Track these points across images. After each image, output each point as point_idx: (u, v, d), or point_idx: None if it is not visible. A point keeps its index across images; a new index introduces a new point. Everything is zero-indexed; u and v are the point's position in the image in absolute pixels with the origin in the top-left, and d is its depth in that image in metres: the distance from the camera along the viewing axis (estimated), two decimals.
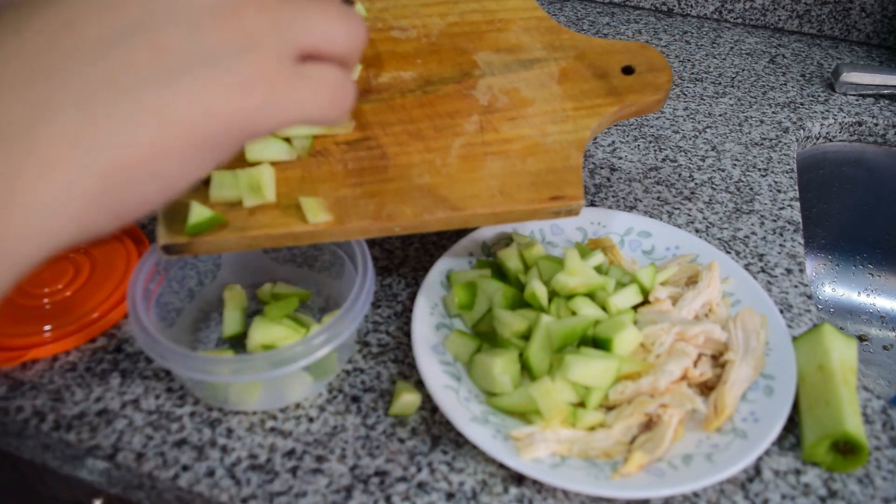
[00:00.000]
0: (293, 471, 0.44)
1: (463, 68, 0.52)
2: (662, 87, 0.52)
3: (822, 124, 0.80)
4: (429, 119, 0.49)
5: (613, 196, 0.67)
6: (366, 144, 0.47)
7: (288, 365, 0.42)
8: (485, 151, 0.48)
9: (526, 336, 0.49)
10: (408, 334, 0.52)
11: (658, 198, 0.67)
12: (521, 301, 0.51)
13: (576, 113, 0.50)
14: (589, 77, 0.52)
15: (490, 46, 0.54)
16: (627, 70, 0.53)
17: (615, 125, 0.77)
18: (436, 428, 0.46)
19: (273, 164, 0.45)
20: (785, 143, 0.76)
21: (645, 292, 0.51)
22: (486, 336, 0.50)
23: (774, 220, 0.65)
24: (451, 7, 0.56)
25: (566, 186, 0.46)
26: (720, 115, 0.80)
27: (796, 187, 0.69)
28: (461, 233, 0.62)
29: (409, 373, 0.50)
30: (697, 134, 0.77)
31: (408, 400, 0.46)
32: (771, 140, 0.76)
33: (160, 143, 0.25)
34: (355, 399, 0.48)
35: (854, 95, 0.84)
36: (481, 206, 0.45)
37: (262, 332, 0.47)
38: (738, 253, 0.61)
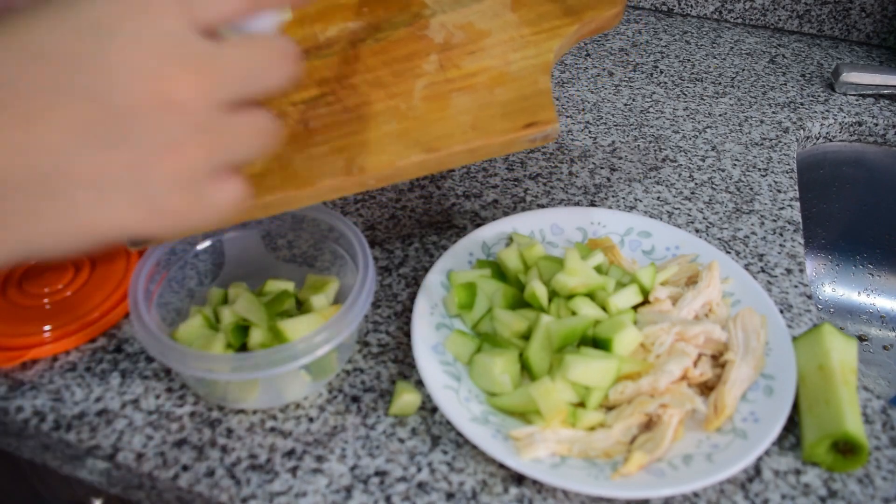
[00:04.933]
0: (293, 471, 0.44)
1: (412, 10, 0.51)
2: (619, 0, 0.51)
3: (822, 124, 0.80)
4: (385, 66, 0.48)
5: (613, 196, 0.67)
6: (324, 101, 0.46)
7: (287, 363, 0.42)
8: (449, 89, 0.46)
9: (526, 336, 0.49)
10: (408, 334, 0.52)
11: (658, 198, 0.67)
12: (521, 301, 0.51)
13: (535, 37, 0.49)
14: (543, 0, 0.51)
15: None
16: None
17: (614, 125, 0.77)
18: (436, 428, 0.46)
19: None
20: (785, 143, 0.76)
21: (645, 292, 0.51)
22: (486, 336, 0.50)
23: (774, 220, 0.65)
24: None
25: (539, 111, 0.44)
26: (720, 115, 0.80)
27: (796, 187, 0.69)
28: (461, 233, 0.62)
29: (409, 373, 0.50)
30: (697, 134, 0.77)
31: (408, 400, 0.46)
32: (771, 140, 0.76)
33: (66, 245, 0.26)
34: (355, 399, 0.48)
35: (854, 95, 0.84)
36: (456, 143, 0.43)
37: (261, 332, 0.47)
38: (738, 253, 0.61)
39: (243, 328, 0.48)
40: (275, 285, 0.51)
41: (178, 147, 0.26)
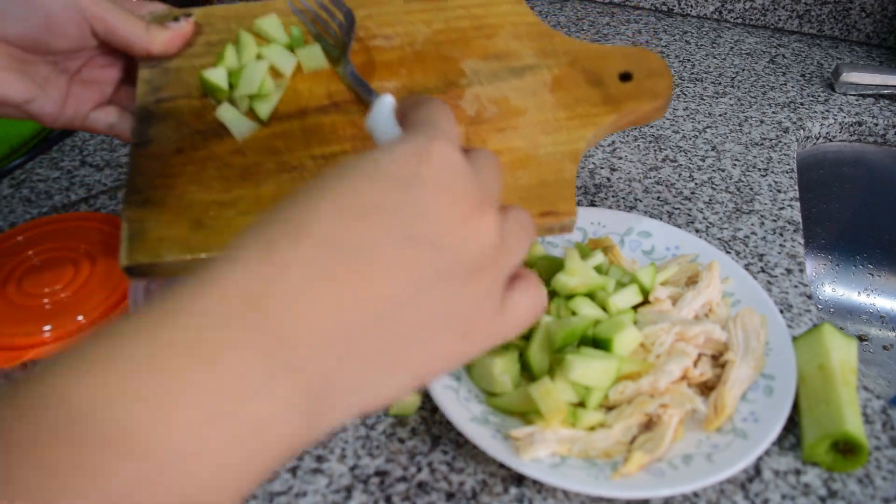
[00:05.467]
0: (293, 471, 0.44)
1: (449, 77, 0.50)
2: (662, 93, 0.49)
3: (822, 124, 0.80)
4: None
5: (613, 196, 0.67)
6: (344, 158, 0.45)
7: None
8: None
9: (526, 336, 0.49)
10: None
11: (658, 198, 0.67)
12: None
13: (570, 123, 0.47)
14: (583, 84, 0.49)
15: (478, 54, 0.51)
16: (625, 76, 0.50)
17: None
18: (436, 428, 0.46)
19: (242, 180, 0.45)
20: (785, 143, 0.76)
21: (645, 292, 0.51)
22: None
23: (774, 220, 0.65)
24: (436, 14, 0.53)
25: (559, 201, 0.44)
26: (720, 115, 0.80)
27: (796, 187, 0.69)
28: None
29: None
30: (697, 134, 0.77)
31: (408, 400, 0.46)
32: (771, 140, 0.76)
33: (400, 392, 0.27)
34: None
35: (854, 95, 0.85)
36: None
37: None
38: (738, 253, 0.61)
39: None
40: None
41: (482, 270, 0.27)
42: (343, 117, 0.48)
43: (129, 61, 0.50)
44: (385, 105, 0.32)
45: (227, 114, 0.46)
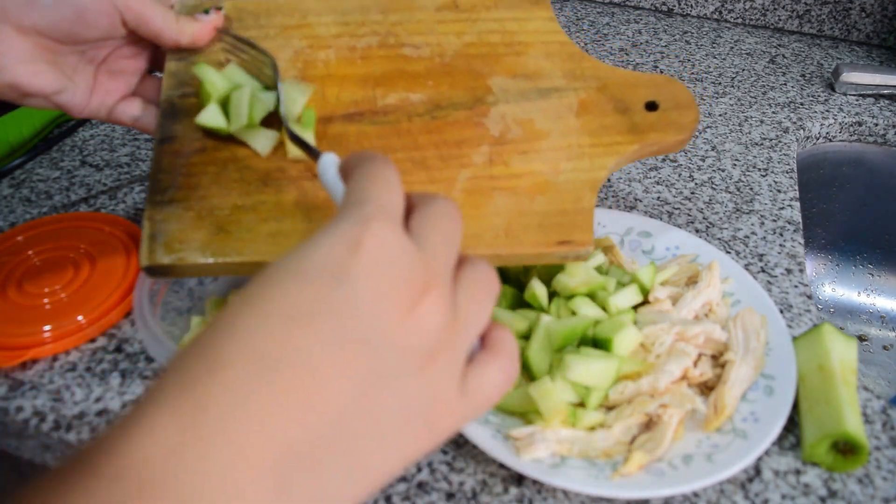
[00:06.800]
0: None
1: (476, 93, 0.49)
2: (687, 126, 0.48)
3: (822, 124, 0.80)
4: (435, 147, 0.46)
5: (613, 196, 0.67)
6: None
7: None
8: (492, 186, 0.45)
9: (526, 336, 0.49)
10: None
11: (658, 198, 0.67)
12: (521, 301, 0.51)
13: (592, 150, 0.47)
14: (610, 111, 0.49)
15: (507, 71, 0.50)
16: (651, 105, 0.49)
17: None
18: None
19: (263, 185, 0.44)
20: (785, 143, 0.76)
21: (645, 292, 0.51)
22: None
23: (774, 220, 0.65)
24: (469, 25, 0.52)
25: (575, 231, 0.43)
26: (720, 115, 0.80)
27: (796, 187, 0.69)
28: None
29: None
30: (697, 134, 0.77)
31: None
32: (771, 140, 0.76)
33: (365, 495, 0.24)
34: None
35: (854, 95, 0.85)
36: (485, 246, 0.43)
37: None
38: (738, 253, 0.61)
39: None
40: None
41: (435, 357, 0.25)
42: (370, 127, 0.47)
43: (155, 52, 0.49)
44: (326, 166, 0.30)
45: (246, 133, 0.45)
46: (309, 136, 0.45)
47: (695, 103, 0.49)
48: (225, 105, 0.45)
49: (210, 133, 0.45)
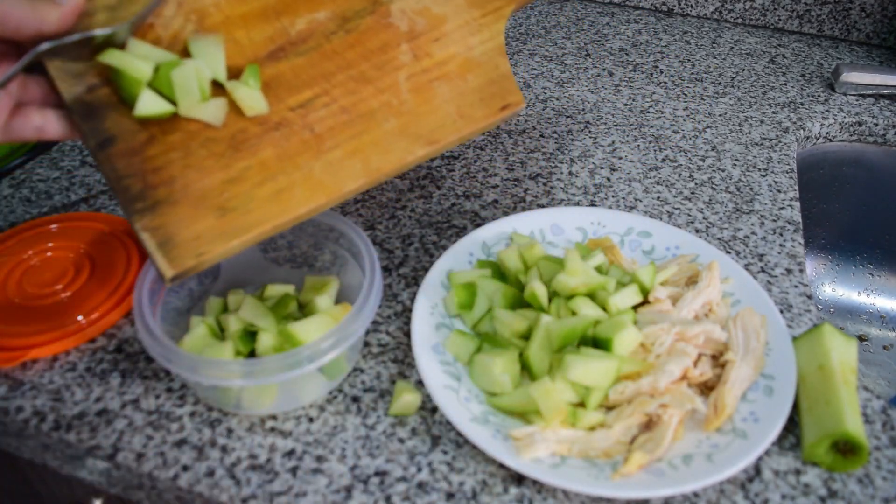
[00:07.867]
0: (293, 471, 0.44)
1: None
2: None
3: (822, 124, 0.80)
4: (365, 59, 0.48)
5: (613, 196, 0.67)
6: (320, 102, 0.46)
7: (305, 365, 0.42)
8: (429, 79, 0.48)
9: (526, 336, 0.49)
10: (408, 334, 0.52)
11: (658, 198, 0.67)
12: (521, 301, 0.51)
13: (485, 20, 0.51)
14: None
15: None
16: None
17: (614, 125, 0.77)
18: (436, 428, 0.46)
19: (235, 151, 0.43)
20: (785, 143, 0.76)
21: (645, 292, 0.51)
22: (486, 336, 0.50)
23: (774, 220, 0.65)
24: None
25: (508, 94, 0.49)
26: (720, 115, 0.80)
27: (796, 187, 0.69)
28: (461, 233, 0.62)
29: (409, 373, 0.50)
30: (697, 134, 0.77)
31: (408, 400, 0.46)
32: (771, 140, 0.76)
33: None
34: (355, 399, 0.48)
35: (854, 95, 0.84)
36: (450, 134, 0.47)
37: (271, 337, 0.46)
38: (738, 253, 0.61)
39: (251, 334, 0.48)
40: (275, 289, 0.51)
41: None
42: (298, 59, 0.47)
43: (20, 49, 0.40)
44: None
45: (195, 110, 0.42)
46: (258, 95, 0.44)
47: None
48: (156, 87, 0.41)
49: (147, 120, 0.42)
